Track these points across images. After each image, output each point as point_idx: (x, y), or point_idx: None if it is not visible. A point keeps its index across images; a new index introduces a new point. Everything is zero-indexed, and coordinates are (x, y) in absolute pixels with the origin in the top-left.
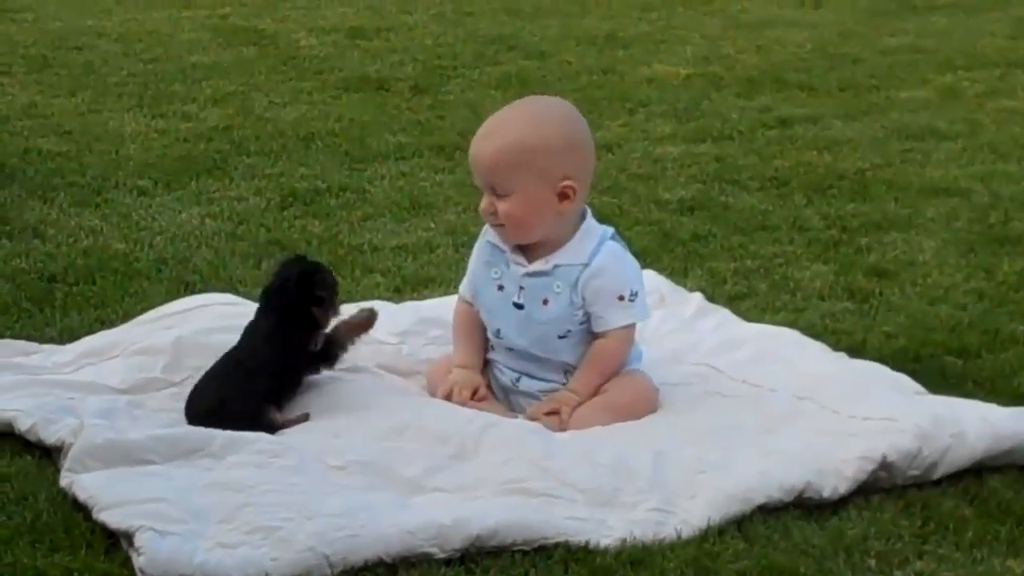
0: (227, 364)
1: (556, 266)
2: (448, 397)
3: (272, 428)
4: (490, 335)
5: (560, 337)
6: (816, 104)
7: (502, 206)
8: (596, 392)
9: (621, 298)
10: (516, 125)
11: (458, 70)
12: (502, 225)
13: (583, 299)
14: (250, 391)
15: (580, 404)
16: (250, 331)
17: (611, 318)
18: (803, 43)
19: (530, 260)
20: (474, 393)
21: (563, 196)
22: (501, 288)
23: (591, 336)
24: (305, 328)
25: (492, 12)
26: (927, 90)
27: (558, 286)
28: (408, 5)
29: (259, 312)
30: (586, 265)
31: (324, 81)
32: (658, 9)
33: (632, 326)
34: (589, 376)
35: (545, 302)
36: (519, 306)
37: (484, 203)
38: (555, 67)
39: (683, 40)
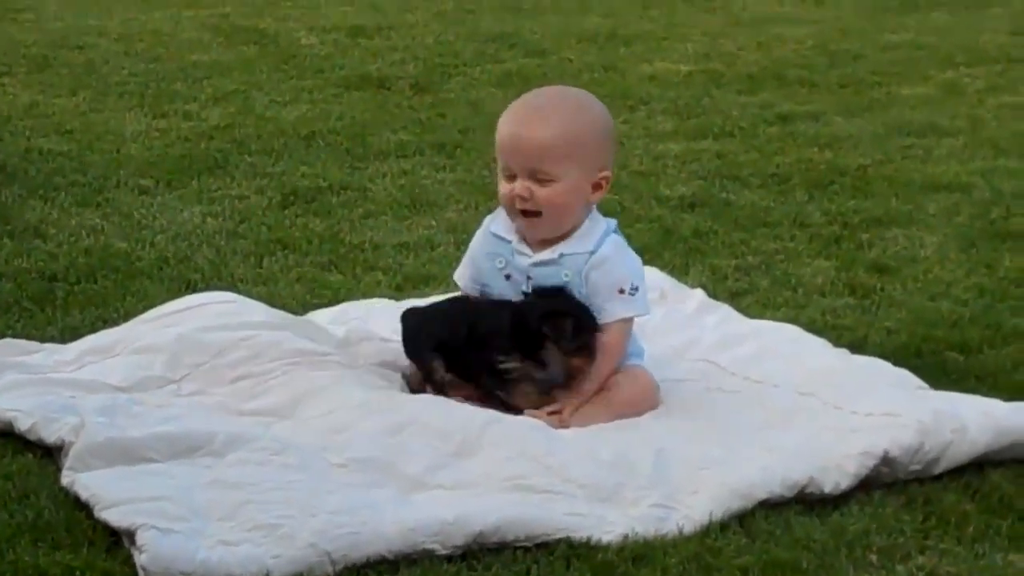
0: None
1: (563, 255)
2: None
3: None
4: None
5: None
6: (817, 100)
7: (544, 192)
8: (598, 388)
9: (622, 291)
10: (565, 111)
11: (459, 68)
12: (536, 214)
13: (588, 290)
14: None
15: (582, 402)
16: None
17: (611, 309)
18: (804, 39)
19: (535, 251)
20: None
21: (597, 187)
22: (508, 277)
23: None
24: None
25: (493, 10)
26: (928, 86)
27: (566, 274)
28: (409, 3)
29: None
30: (592, 253)
31: (325, 80)
32: (659, 6)
33: (631, 320)
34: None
35: None
36: (528, 295)
37: (519, 188)
38: (556, 64)
39: (684, 37)
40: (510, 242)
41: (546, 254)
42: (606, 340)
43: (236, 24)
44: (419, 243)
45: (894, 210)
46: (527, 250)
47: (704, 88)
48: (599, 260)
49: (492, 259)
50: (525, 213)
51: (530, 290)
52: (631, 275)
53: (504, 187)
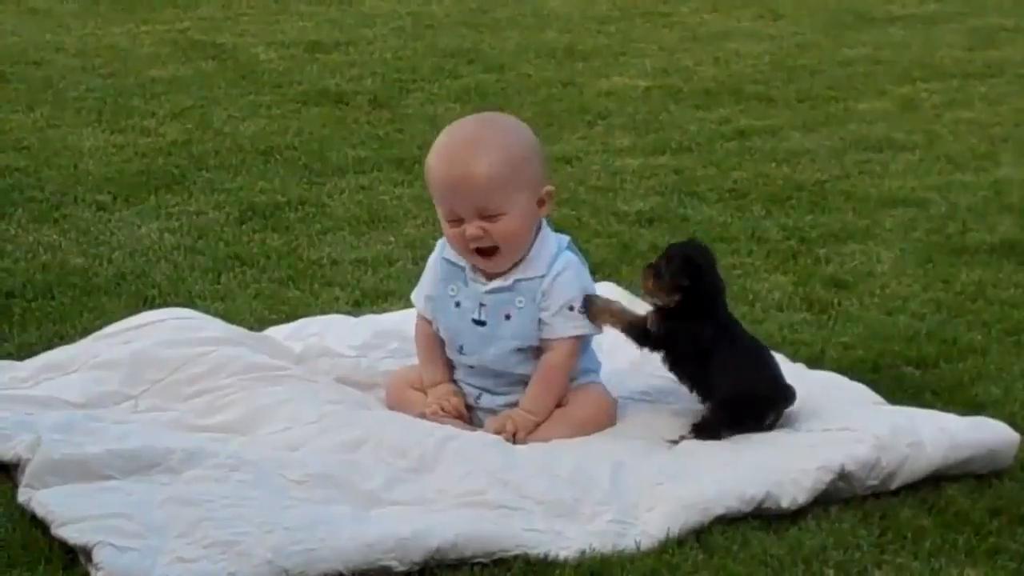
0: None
1: (517, 281)
2: (428, 415)
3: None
4: (451, 353)
5: (520, 350)
6: (774, 116)
7: (499, 227)
8: (552, 408)
9: (571, 308)
10: (497, 139)
11: (417, 83)
12: (493, 250)
13: (540, 309)
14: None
15: (537, 424)
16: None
17: (557, 326)
18: (761, 55)
19: (489, 278)
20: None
21: (541, 203)
22: (458, 305)
23: None
24: None
25: (452, 25)
26: (885, 101)
27: (520, 300)
28: (367, 19)
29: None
30: (543, 276)
31: (283, 95)
32: (617, 22)
33: (579, 339)
34: (537, 393)
35: (508, 317)
36: (480, 323)
37: (472, 230)
38: (514, 80)
39: (642, 53)
40: (464, 268)
41: (499, 281)
42: (550, 360)
43: (194, 39)
44: (377, 259)
45: (851, 225)
46: (481, 277)
47: (662, 103)
48: (551, 279)
49: (444, 286)
50: (481, 252)
51: (483, 318)
52: (581, 293)
53: (451, 230)
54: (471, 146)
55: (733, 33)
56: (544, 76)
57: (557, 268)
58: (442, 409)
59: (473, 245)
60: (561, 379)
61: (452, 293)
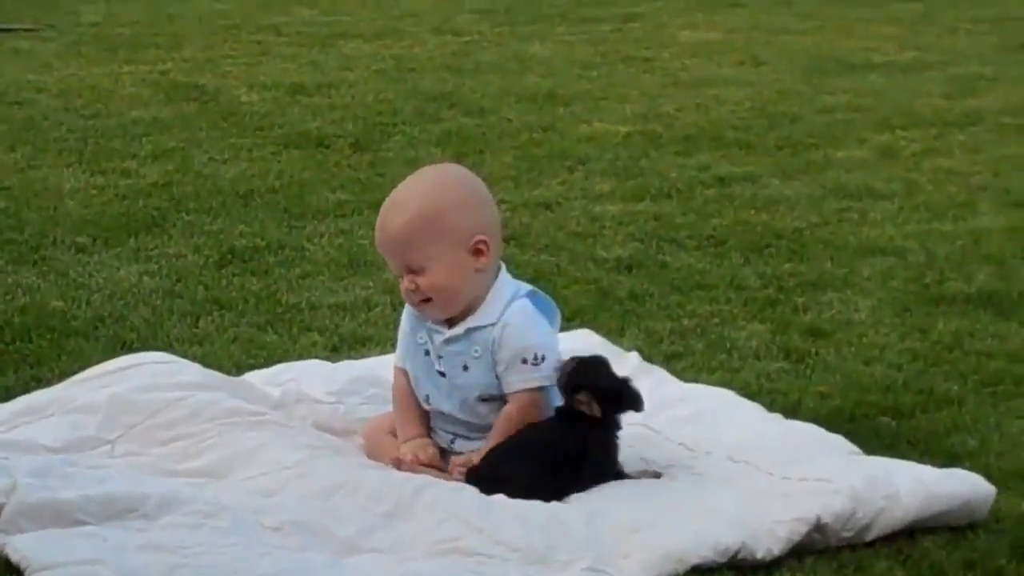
0: None
1: (468, 329)
2: (401, 467)
3: None
4: (420, 401)
5: (483, 400)
6: (754, 162)
7: (425, 280)
8: None
9: (524, 360)
10: (414, 198)
11: (399, 127)
12: (429, 301)
13: (495, 361)
14: None
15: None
16: None
17: (513, 380)
18: (742, 101)
19: (449, 326)
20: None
21: (478, 252)
22: (427, 354)
23: None
24: None
25: (433, 69)
26: (864, 149)
27: (476, 350)
28: (349, 61)
29: None
30: (494, 324)
31: (264, 137)
32: (598, 67)
33: (537, 391)
34: (492, 444)
35: (465, 367)
36: (441, 373)
37: (405, 284)
38: (495, 124)
39: (623, 98)
40: (426, 319)
41: (455, 330)
42: (509, 412)
43: (176, 81)
44: (356, 304)
45: (829, 273)
46: (440, 327)
47: (642, 149)
48: (500, 330)
49: (414, 335)
50: (421, 301)
51: (442, 369)
52: (535, 344)
53: (400, 284)
54: (393, 206)
55: (714, 79)
56: (525, 121)
57: (507, 318)
58: (417, 459)
59: (410, 299)
60: (515, 427)
61: (421, 342)
